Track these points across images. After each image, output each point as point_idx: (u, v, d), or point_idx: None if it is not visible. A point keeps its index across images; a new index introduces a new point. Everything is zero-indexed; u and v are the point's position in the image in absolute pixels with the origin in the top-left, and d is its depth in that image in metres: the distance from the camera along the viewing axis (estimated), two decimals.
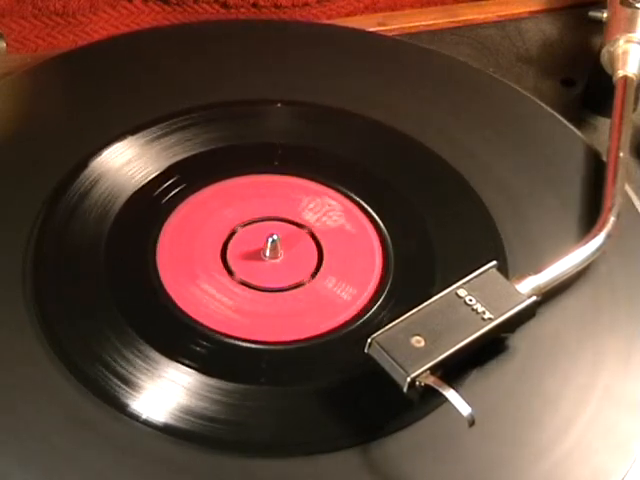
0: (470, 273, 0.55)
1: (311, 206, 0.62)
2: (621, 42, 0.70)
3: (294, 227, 0.62)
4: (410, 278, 0.59)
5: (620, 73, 0.68)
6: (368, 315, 0.57)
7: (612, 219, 0.58)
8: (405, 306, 0.53)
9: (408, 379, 0.50)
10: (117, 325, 0.55)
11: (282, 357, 0.55)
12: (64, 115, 0.67)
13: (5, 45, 0.73)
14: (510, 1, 0.84)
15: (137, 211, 0.61)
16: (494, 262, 0.56)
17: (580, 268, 0.57)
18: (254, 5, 0.82)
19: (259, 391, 0.53)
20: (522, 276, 0.55)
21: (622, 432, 0.53)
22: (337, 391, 0.53)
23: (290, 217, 0.62)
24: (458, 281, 0.54)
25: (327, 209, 0.62)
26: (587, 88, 0.76)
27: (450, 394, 0.49)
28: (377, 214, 0.62)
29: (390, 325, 0.52)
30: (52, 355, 0.53)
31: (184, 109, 0.67)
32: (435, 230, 0.62)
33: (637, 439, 0.52)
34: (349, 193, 0.64)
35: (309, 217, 0.62)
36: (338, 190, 0.64)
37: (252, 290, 0.58)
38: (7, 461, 0.49)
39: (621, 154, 0.63)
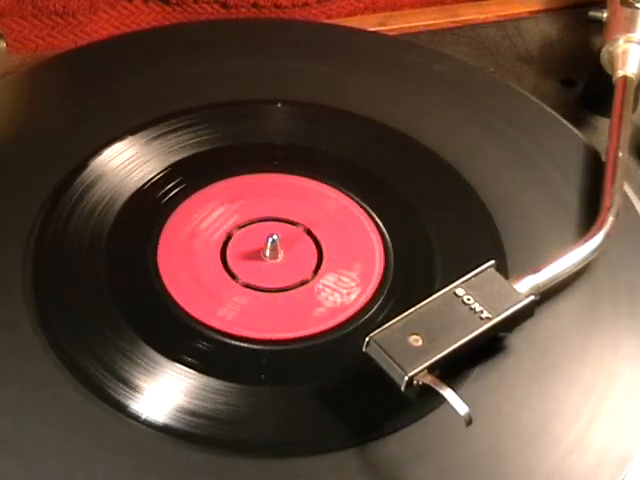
0: (469, 272, 0.55)
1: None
2: (621, 42, 0.70)
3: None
4: (410, 278, 0.59)
5: (620, 73, 0.68)
6: (368, 315, 0.57)
7: (611, 219, 0.58)
8: (405, 306, 0.53)
9: (406, 378, 0.50)
10: (117, 325, 0.55)
11: (282, 357, 0.55)
12: (64, 115, 0.67)
13: (5, 45, 0.73)
14: (510, 1, 0.84)
15: (137, 211, 0.61)
16: (492, 261, 0.56)
17: (579, 268, 0.57)
18: (254, 5, 0.82)
19: (259, 391, 0.53)
20: (520, 275, 0.55)
21: (622, 432, 0.53)
22: (337, 391, 0.53)
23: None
24: (456, 280, 0.54)
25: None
26: (587, 88, 0.76)
27: (447, 393, 0.49)
28: (377, 214, 0.62)
29: (388, 324, 0.52)
30: (52, 355, 0.53)
31: (184, 109, 0.67)
32: (435, 230, 0.62)
33: (637, 438, 0.52)
34: (349, 193, 0.64)
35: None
36: (338, 190, 0.64)
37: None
38: (6, 461, 0.49)
39: (620, 154, 0.63)
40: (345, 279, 0.59)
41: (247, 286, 0.58)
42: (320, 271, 0.59)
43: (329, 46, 0.74)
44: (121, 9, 0.80)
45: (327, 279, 0.59)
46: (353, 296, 0.58)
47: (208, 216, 0.61)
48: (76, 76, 0.70)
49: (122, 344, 0.54)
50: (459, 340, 0.52)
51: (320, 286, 0.58)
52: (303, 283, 0.59)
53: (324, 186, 0.64)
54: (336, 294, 0.58)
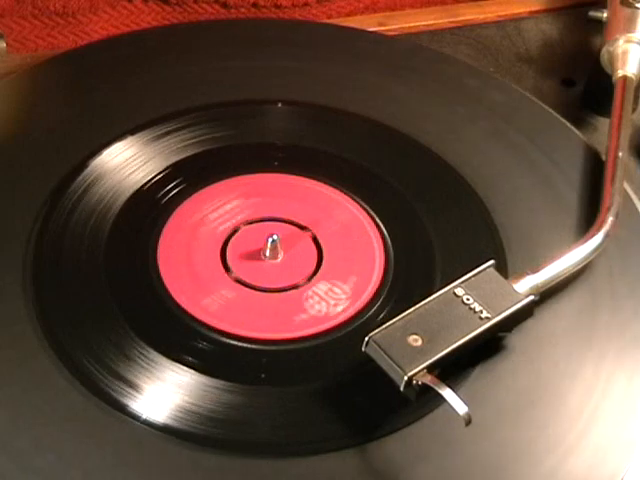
0: (469, 272, 0.55)
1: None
2: (621, 42, 0.70)
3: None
4: (410, 278, 0.59)
5: (620, 73, 0.68)
6: (368, 315, 0.57)
7: (610, 219, 0.58)
8: (405, 306, 0.53)
9: (405, 378, 0.50)
10: (117, 325, 0.55)
11: (282, 357, 0.55)
12: (64, 115, 0.67)
13: (5, 45, 0.73)
14: (510, 1, 0.84)
15: (137, 211, 0.61)
16: (492, 261, 0.56)
17: (578, 267, 0.57)
18: (254, 5, 0.82)
19: (259, 391, 0.53)
20: (520, 275, 0.55)
21: (623, 431, 0.53)
22: (336, 391, 0.53)
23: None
24: (456, 280, 0.54)
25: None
26: (587, 88, 0.76)
27: (446, 393, 0.49)
28: (377, 214, 0.62)
29: (387, 324, 0.52)
30: (52, 355, 0.53)
31: (184, 109, 0.67)
32: (435, 230, 0.62)
33: (638, 438, 0.52)
34: (349, 193, 0.64)
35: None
36: (338, 190, 0.64)
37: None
38: (5, 460, 0.49)
39: (620, 154, 0.63)
40: (337, 290, 0.58)
41: (247, 286, 0.58)
42: (315, 277, 0.59)
43: (329, 46, 0.74)
44: (121, 9, 0.80)
45: (319, 287, 0.58)
46: (339, 308, 0.57)
47: (208, 216, 0.61)
48: (76, 76, 0.70)
49: (122, 344, 0.54)
50: (458, 340, 0.52)
51: (310, 293, 0.58)
52: (294, 287, 0.59)
53: (324, 186, 0.64)
54: (323, 303, 0.58)
